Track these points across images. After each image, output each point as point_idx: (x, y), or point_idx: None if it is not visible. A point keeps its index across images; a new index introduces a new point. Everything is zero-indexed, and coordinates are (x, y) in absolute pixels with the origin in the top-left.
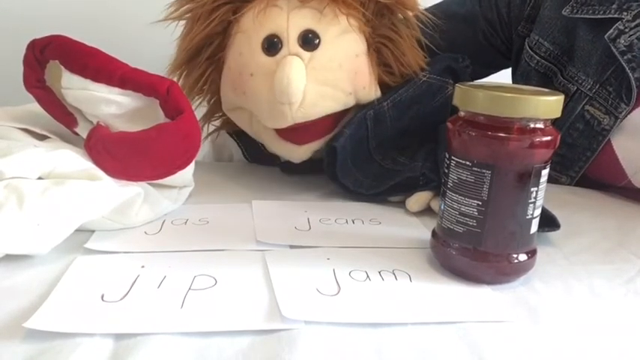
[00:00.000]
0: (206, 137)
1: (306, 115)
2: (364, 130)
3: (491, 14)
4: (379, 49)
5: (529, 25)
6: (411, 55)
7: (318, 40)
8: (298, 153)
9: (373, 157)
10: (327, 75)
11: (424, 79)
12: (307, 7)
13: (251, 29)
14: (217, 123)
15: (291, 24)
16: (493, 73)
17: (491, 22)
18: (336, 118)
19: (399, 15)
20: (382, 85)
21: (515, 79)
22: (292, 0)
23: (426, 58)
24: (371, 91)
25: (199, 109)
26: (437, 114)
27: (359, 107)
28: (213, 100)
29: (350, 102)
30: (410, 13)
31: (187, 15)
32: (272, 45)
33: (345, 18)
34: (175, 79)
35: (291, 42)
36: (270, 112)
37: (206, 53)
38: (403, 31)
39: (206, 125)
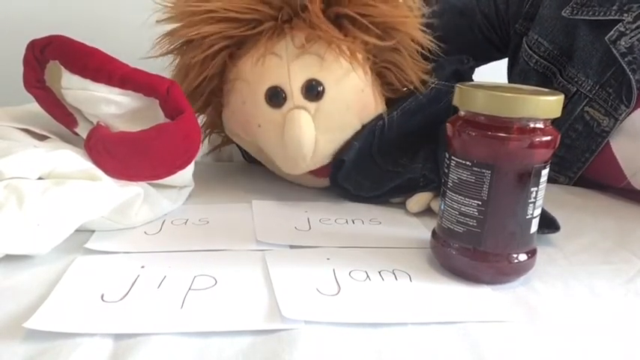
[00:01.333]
0: (208, 153)
1: (320, 161)
2: (371, 138)
3: (488, 9)
4: (382, 73)
5: (527, 23)
6: (412, 72)
7: (322, 87)
8: (319, 183)
9: (375, 160)
10: (334, 121)
11: (432, 85)
12: (307, 53)
13: (251, 79)
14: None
15: (292, 75)
16: (483, 65)
17: (488, 16)
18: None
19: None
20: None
21: (512, 78)
22: (290, 46)
23: (428, 65)
24: (377, 111)
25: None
26: (441, 117)
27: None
28: (212, 121)
29: (358, 129)
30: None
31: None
32: (275, 95)
33: (346, 57)
34: None
35: (295, 94)
36: (283, 161)
37: (204, 92)
38: (405, 49)
39: (207, 138)
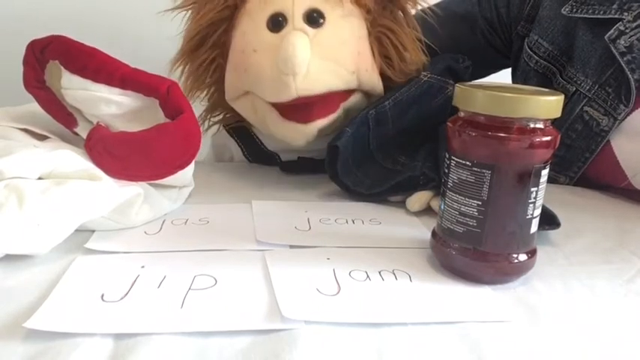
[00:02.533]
0: (206, 130)
1: (310, 88)
2: (366, 130)
3: (490, 14)
4: (380, 39)
5: (528, 25)
6: (412, 50)
7: (322, 20)
8: (305, 132)
9: (374, 157)
10: (330, 51)
11: (425, 79)
12: None
13: (255, 10)
14: (218, 118)
15: (296, 2)
16: (492, 72)
17: (490, 21)
18: (339, 97)
19: (400, 12)
20: (383, 78)
21: (514, 80)
22: None
23: (426, 56)
24: (374, 76)
25: (199, 107)
26: (437, 114)
27: (362, 100)
28: (215, 93)
29: (353, 82)
30: (411, 8)
31: (193, 5)
32: (277, 23)
33: (349, 2)
34: (181, 67)
35: (296, 19)
36: (273, 85)
37: (212, 39)
38: (404, 24)
39: (206, 121)
